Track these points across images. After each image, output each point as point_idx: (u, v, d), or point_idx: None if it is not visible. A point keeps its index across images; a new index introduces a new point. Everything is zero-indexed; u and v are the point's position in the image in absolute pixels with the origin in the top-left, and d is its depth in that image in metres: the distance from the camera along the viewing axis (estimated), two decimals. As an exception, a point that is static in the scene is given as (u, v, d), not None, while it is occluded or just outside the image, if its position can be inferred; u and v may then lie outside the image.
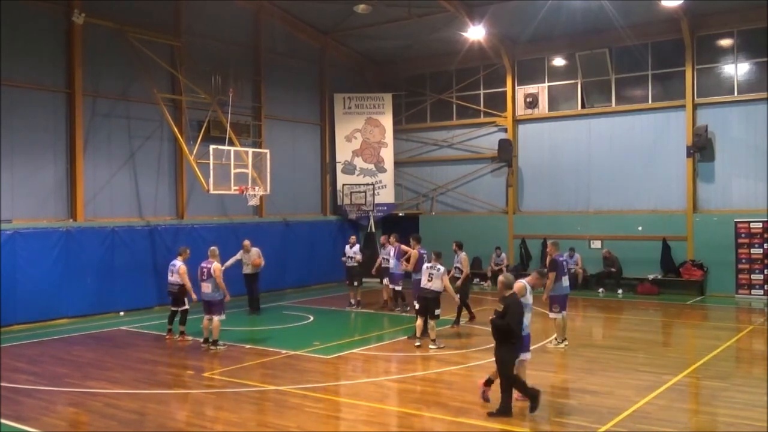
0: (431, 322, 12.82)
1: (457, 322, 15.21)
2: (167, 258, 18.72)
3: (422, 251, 15.09)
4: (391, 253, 17.17)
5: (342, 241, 21.49)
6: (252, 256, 17.59)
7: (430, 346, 12.77)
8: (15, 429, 8.54)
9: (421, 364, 12.01)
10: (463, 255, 15.30)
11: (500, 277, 9.06)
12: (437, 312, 12.84)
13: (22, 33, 16.56)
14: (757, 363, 12.39)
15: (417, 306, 13.01)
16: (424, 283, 12.88)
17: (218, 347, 13.12)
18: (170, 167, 19.78)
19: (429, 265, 13.03)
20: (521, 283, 9.25)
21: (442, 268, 12.88)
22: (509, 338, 8.69)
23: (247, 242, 17.72)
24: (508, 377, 8.81)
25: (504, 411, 8.75)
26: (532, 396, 8.81)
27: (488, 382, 9.24)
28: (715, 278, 20.10)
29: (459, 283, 14.87)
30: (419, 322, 12.95)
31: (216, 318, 13.15)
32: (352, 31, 23.68)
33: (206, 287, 13.25)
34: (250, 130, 21.64)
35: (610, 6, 19.03)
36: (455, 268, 15.31)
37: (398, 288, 17.26)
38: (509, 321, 8.62)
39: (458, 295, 14.29)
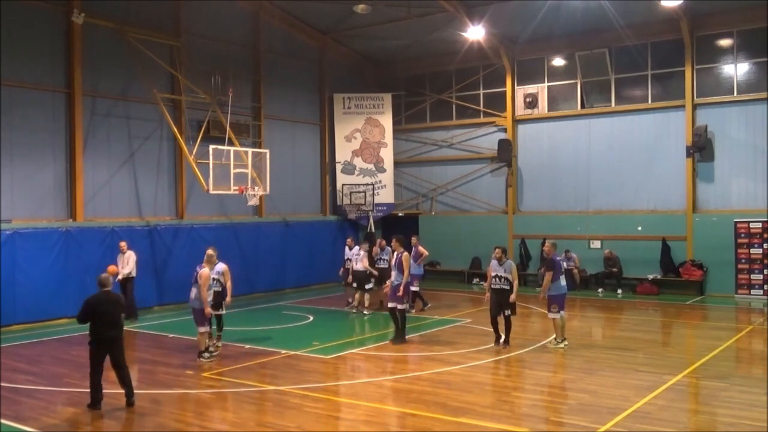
0: (360, 294, 17.51)
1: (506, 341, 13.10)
2: (167, 258, 18.87)
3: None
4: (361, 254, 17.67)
5: (341, 241, 21.43)
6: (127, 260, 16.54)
7: (365, 312, 17.23)
8: (15, 429, 8.54)
9: (421, 364, 12.01)
10: (511, 263, 13.02)
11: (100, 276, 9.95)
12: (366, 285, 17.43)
13: (22, 33, 16.55)
14: (756, 363, 12.40)
15: (355, 283, 17.52)
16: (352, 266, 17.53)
17: (202, 358, 12.12)
18: (170, 167, 19.78)
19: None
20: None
21: (362, 253, 17.55)
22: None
23: (123, 244, 16.75)
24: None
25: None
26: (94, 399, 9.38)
27: None
28: (714, 278, 20.11)
29: (513, 297, 12.69)
30: (358, 295, 17.56)
31: (198, 329, 12.14)
32: (352, 31, 23.67)
33: (192, 293, 12.15)
34: (250, 130, 21.64)
35: (610, 6, 19.02)
36: (501, 277, 12.84)
37: (416, 288, 17.00)
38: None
39: (509, 311, 12.76)
